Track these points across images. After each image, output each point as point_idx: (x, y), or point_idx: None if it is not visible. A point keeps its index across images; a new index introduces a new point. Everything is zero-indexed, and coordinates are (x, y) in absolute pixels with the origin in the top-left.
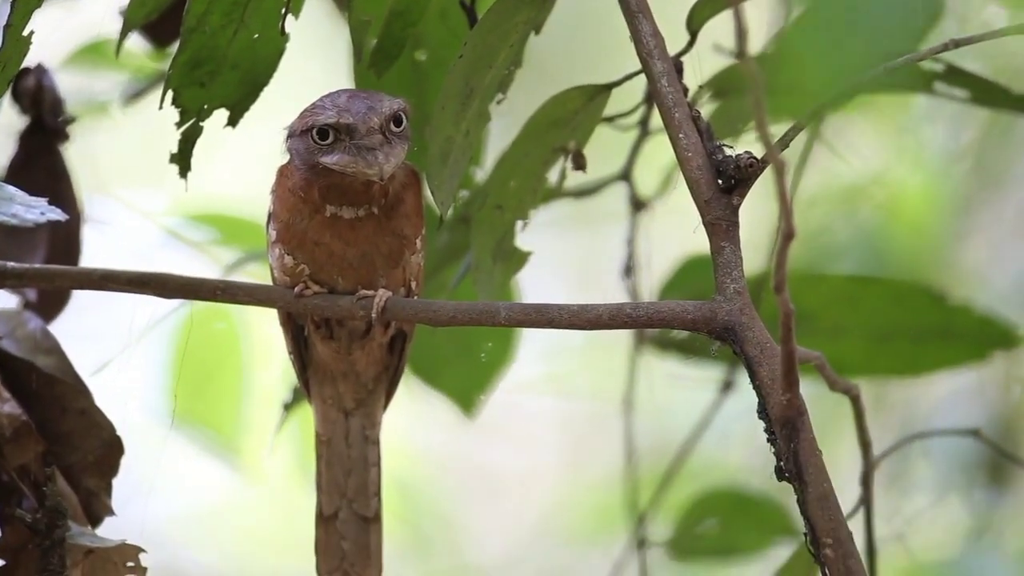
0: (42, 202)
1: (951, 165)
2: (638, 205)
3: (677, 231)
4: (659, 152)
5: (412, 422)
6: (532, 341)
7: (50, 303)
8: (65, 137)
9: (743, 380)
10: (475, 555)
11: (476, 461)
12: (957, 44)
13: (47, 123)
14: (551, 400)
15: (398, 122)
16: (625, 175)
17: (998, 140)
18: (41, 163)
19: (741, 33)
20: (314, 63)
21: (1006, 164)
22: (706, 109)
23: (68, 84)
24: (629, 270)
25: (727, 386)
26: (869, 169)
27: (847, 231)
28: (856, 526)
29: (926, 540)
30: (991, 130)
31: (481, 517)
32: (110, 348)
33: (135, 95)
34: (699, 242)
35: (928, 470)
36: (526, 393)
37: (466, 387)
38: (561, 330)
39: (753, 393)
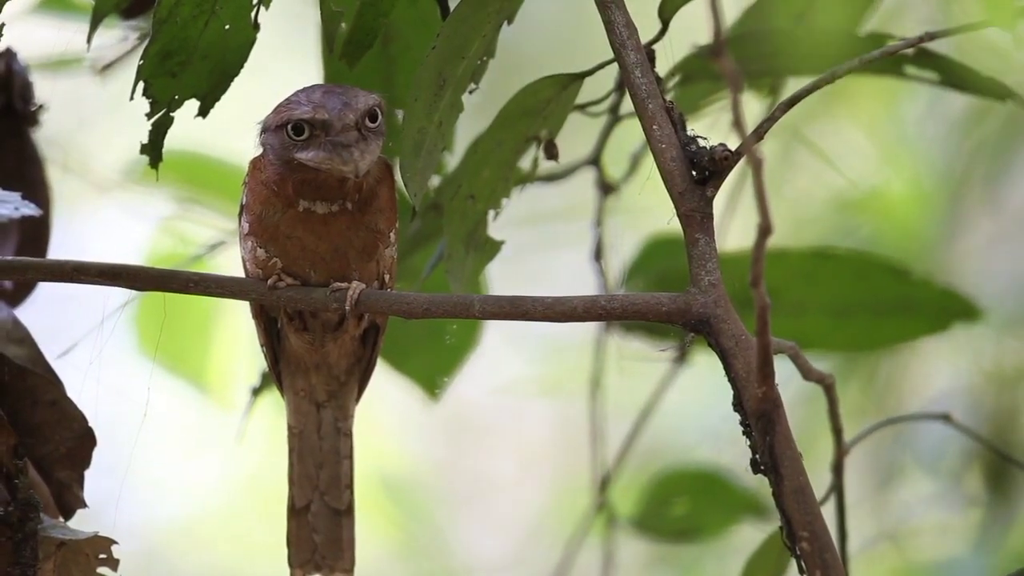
0: (16, 196)
1: (944, 171)
2: (607, 189)
3: (655, 217)
4: (629, 136)
5: (404, 425)
6: (524, 343)
7: (17, 289)
8: (35, 122)
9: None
10: (466, 558)
11: (468, 464)
12: (932, 36)
13: (17, 108)
14: (543, 403)
15: (373, 118)
16: (594, 160)
17: (991, 146)
18: (11, 148)
19: (717, 26)
20: (284, 53)
21: (1000, 169)
22: (673, 94)
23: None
24: (598, 253)
25: (682, 358)
26: (861, 176)
27: (839, 238)
28: (828, 513)
29: (920, 541)
30: (984, 136)
31: (473, 520)
32: (77, 333)
33: (107, 65)
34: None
35: (924, 473)
36: (518, 396)
37: (431, 371)
38: (557, 337)
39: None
